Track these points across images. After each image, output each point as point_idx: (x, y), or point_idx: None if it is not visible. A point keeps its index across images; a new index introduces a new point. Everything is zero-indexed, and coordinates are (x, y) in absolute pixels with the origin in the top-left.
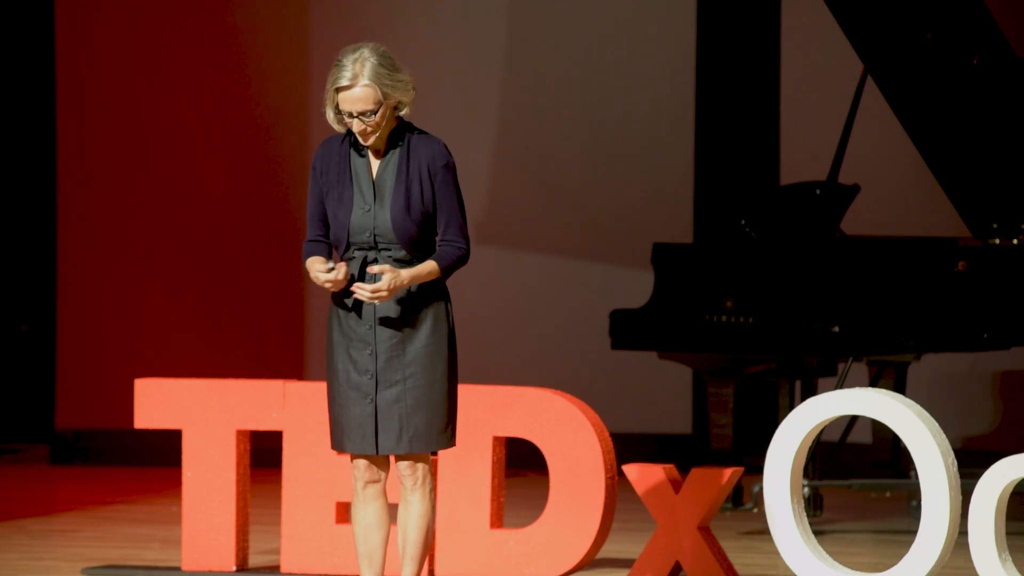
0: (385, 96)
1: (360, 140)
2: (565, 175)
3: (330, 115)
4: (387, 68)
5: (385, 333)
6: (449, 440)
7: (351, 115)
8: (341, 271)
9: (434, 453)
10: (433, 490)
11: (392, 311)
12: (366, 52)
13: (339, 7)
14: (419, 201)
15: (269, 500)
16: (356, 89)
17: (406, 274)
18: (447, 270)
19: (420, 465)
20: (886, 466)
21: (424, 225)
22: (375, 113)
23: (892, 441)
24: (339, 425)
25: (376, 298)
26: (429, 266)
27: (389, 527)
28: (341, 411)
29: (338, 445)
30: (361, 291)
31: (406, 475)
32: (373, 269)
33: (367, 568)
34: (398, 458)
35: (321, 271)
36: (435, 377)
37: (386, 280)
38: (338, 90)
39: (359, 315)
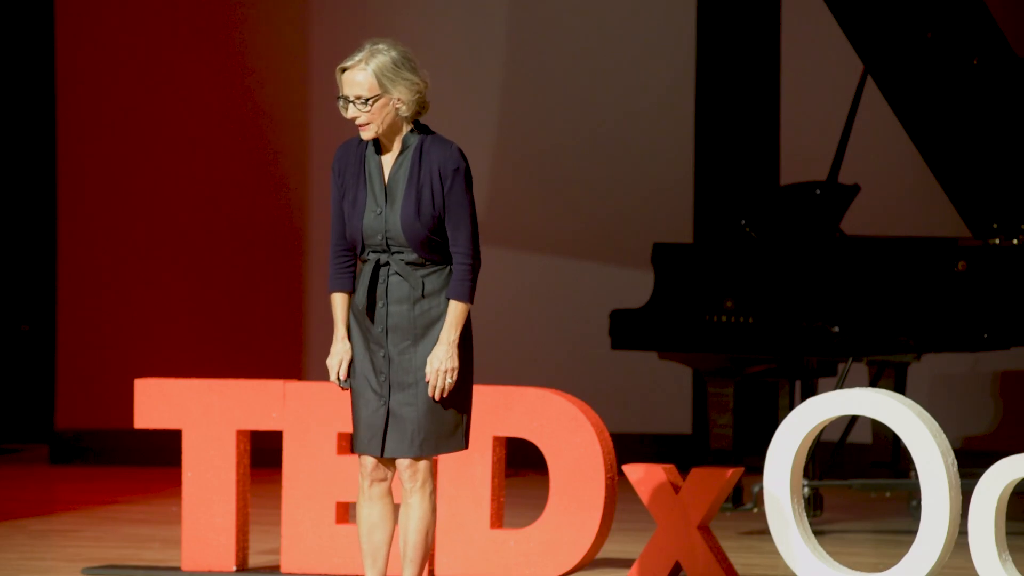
0: (383, 88)
1: (360, 133)
2: (565, 175)
3: (340, 101)
4: (395, 64)
5: (396, 336)
6: (460, 443)
7: (347, 99)
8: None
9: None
10: (434, 491)
11: (404, 315)
12: (383, 45)
13: (339, 7)
14: (430, 205)
15: (269, 500)
16: (356, 72)
17: (443, 348)
18: (467, 295)
19: (421, 465)
20: (886, 466)
21: (435, 229)
22: (367, 102)
23: (892, 441)
24: (354, 423)
25: (439, 385)
26: (453, 312)
27: (394, 526)
28: (356, 409)
29: (353, 446)
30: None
31: (406, 476)
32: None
33: (370, 566)
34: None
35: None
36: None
37: (432, 367)
38: (343, 70)
39: (372, 319)
